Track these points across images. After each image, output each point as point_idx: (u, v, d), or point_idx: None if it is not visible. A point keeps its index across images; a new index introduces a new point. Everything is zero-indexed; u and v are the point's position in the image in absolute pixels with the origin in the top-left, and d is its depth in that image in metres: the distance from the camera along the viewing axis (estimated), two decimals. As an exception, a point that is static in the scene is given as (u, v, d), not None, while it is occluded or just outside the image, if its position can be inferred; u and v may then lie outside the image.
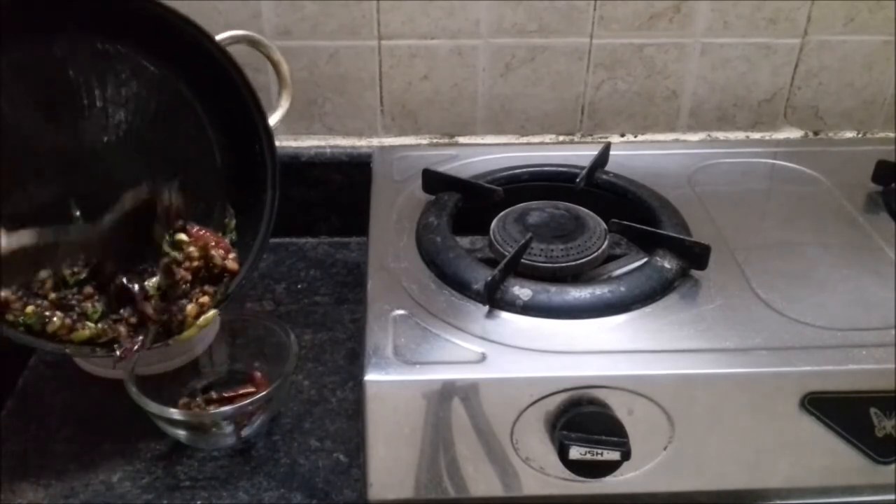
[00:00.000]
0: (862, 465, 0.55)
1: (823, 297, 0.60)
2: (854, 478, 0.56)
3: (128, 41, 0.60)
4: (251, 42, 0.68)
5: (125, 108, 0.61)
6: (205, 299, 0.62)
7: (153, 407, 0.60)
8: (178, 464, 0.62)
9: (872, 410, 0.54)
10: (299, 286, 0.82)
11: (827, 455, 0.55)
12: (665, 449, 0.54)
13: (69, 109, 0.59)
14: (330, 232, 0.89)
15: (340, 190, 0.87)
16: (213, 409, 0.62)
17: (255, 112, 0.64)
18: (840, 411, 0.54)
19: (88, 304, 0.59)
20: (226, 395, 0.65)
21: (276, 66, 0.70)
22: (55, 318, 0.57)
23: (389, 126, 0.87)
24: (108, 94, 0.60)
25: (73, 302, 0.59)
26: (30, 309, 0.57)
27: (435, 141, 0.88)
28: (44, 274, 0.58)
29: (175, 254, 0.61)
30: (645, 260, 0.63)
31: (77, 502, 0.59)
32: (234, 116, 0.65)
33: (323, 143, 0.87)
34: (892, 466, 0.55)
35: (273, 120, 0.69)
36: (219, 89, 0.64)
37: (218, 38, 0.63)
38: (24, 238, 0.57)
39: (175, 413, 0.60)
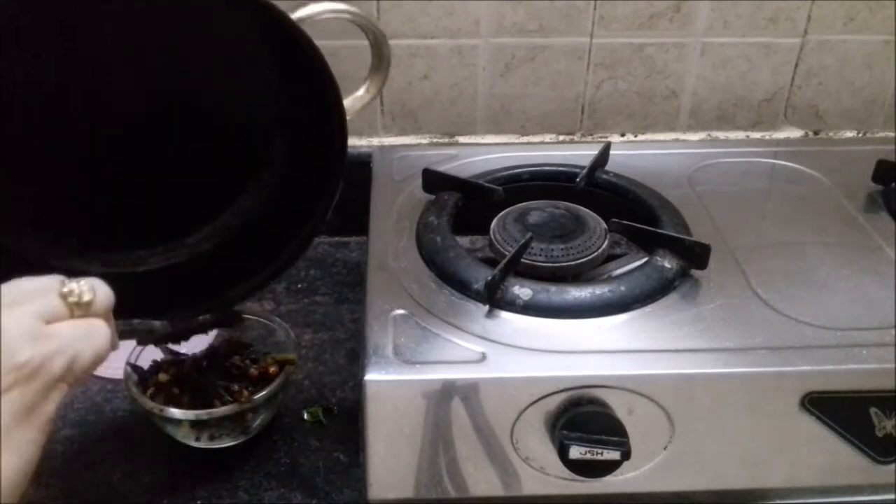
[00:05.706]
0: (862, 464, 0.55)
1: (823, 296, 0.60)
2: (854, 477, 0.56)
3: None
4: (346, 13, 0.59)
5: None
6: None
7: (153, 407, 0.60)
8: (178, 464, 0.62)
9: (872, 410, 0.54)
10: (299, 286, 0.82)
11: (827, 455, 0.55)
12: (665, 449, 0.54)
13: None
14: (330, 231, 0.89)
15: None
16: (212, 409, 0.62)
17: (330, 91, 0.54)
18: (840, 411, 0.54)
19: None
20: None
21: (373, 43, 0.59)
22: None
23: (389, 126, 0.87)
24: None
25: None
26: None
27: (435, 141, 0.88)
28: None
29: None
30: (645, 260, 0.63)
31: (77, 502, 0.59)
32: (308, 102, 0.56)
33: (323, 142, 0.87)
34: (892, 466, 0.55)
35: (350, 103, 0.59)
36: (291, 64, 0.56)
37: (301, 13, 0.56)
38: None
39: (175, 413, 0.60)
